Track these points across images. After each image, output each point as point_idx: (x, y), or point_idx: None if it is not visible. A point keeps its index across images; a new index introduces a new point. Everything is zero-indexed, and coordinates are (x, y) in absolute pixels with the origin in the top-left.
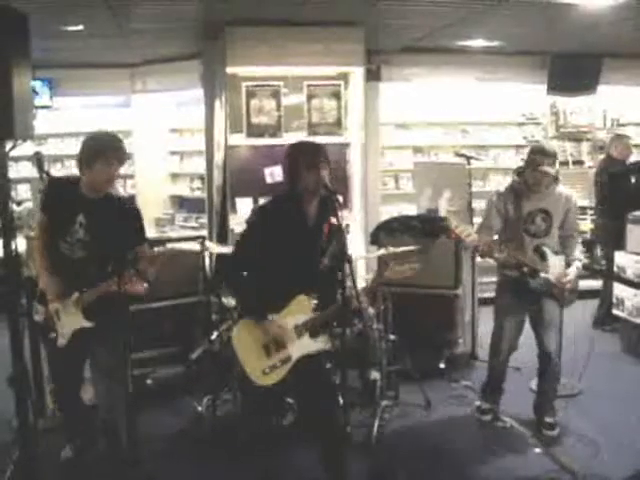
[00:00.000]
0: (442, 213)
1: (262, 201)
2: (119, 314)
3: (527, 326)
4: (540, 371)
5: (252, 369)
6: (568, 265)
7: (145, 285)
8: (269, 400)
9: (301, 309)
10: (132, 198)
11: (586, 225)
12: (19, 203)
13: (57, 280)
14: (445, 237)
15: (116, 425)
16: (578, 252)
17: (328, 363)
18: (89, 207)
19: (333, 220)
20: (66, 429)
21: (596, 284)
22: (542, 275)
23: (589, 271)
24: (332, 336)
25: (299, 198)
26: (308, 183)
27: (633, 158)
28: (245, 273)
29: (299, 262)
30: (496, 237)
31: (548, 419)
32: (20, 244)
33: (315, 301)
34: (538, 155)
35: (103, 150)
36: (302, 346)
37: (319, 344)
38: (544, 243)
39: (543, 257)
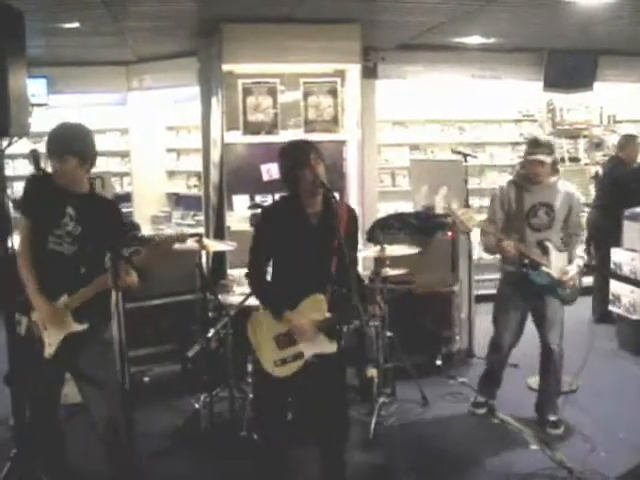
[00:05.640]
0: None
1: (258, 198)
2: (108, 316)
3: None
4: (542, 368)
5: (264, 359)
6: (570, 262)
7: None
8: (280, 400)
9: (316, 308)
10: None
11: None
12: None
13: (40, 289)
14: (442, 234)
15: (115, 438)
16: (580, 251)
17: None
18: (76, 200)
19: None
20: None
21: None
22: (543, 269)
23: (587, 268)
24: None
25: (299, 198)
26: (305, 183)
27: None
28: (264, 272)
29: (308, 260)
30: None
31: (552, 417)
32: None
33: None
34: (532, 145)
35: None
36: (316, 345)
37: (334, 345)
38: (547, 238)
39: (545, 251)
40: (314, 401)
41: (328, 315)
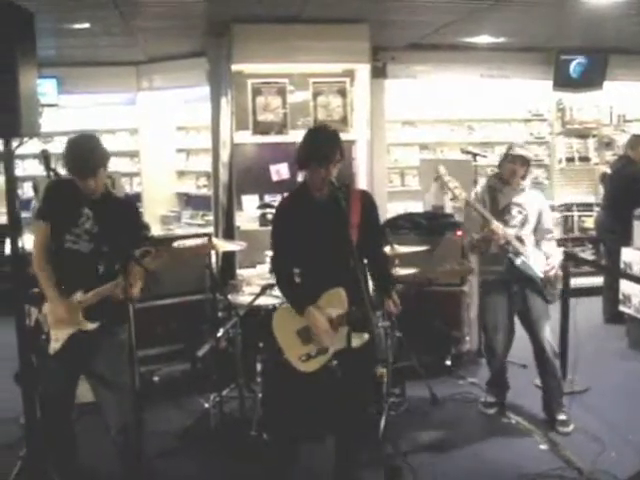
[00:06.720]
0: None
1: (268, 198)
2: (123, 316)
3: None
4: (539, 368)
5: (290, 354)
6: (547, 258)
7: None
8: (300, 397)
9: (336, 302)
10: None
11: (591, 222)
12: None
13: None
14: (451, 234)
15: (127, 439)
16: (554, 248)
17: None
18: (93, 202)
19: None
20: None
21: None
22: (523, 259)
23: (591, 267)
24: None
25: (306, 188)
26: (316, 177)
27: None
28: (287, 268)
29: (324, 246)
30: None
31: (560, 416)
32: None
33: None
34: (513, 147)
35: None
36: (340, 339)
37: (358, 339)
38: (522, 234)
39: (522, 243)
40: (336, 398)
41: (352, 308)
